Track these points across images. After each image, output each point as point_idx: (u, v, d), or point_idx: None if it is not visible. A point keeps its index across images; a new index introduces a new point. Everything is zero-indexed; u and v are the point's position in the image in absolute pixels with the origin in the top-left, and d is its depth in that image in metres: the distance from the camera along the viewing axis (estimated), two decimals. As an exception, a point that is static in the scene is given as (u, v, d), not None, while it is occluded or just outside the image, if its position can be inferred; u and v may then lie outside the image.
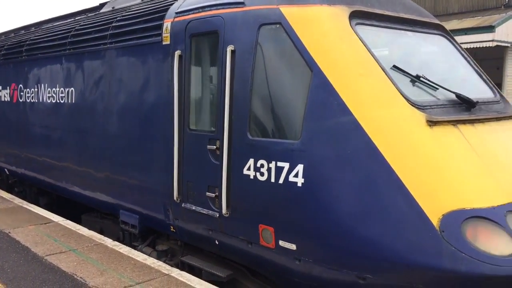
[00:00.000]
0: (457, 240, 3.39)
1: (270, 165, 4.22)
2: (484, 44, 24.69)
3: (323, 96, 3.97)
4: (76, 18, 7.90)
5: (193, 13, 5.06)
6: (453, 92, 4.36)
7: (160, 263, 5.25)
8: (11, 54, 9.21)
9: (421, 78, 4.33)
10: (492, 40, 24.33)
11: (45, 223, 6.90)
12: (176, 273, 4.90)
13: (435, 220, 3.46)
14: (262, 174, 4.29)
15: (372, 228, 3.64)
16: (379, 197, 3.66)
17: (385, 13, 4.65)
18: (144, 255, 5.50)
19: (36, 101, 8.29)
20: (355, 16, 4.35)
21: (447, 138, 3.84)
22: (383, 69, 4.06)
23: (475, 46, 25.52)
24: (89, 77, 6.80)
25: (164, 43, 5.38)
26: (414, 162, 3.67)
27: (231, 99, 4.55)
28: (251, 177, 4.38)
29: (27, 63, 8.62)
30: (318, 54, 4.07)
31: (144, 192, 5.87)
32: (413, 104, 3.94)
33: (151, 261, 5.29)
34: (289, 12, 4.28)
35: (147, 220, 5.96)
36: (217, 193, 4.74)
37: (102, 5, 7.64)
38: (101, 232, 7.13)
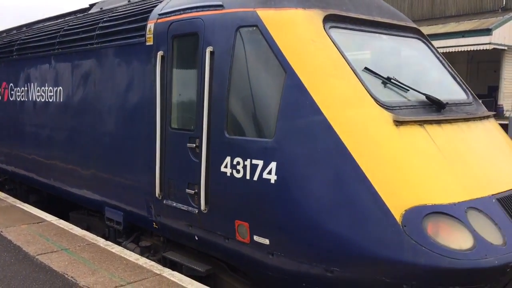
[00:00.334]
0: (418, 234, 3.55)
1: (246, 162, 4.37)
2: (481, 47, 24.89)
3: (296, 96, 4.13)
4: (66, 19, 8.04)
5: (175, 15, 5.21)
6: (423, 94, 4.52)
7: (152, 263, 5.25)
8: (2, 53, 9.34)
9: (392, 80, 4.49)
10: (489, 43, 24.52)
11: (38, 223, 6.88)
12: (167, 273, 4.91)
13: (398, 215, 3.62)
14: (238, 171, 4.44)
15: (338, 223, 3.80)
16: (346, 193, 3.81)
17: (360, 17, 4.81)
18: (136, 255, 5.51)
19: (26, 100, 8.42)
20: (329, 19, 4.51)
21: (413, 138, 4.00)
22: (354, 71, 4.22)
23: (472, 49, 25.72)
24: (76, 76, 6.94)
25: (147, 43, 5.53)
26: (380, 160, 3.83)
27: (210, 99, 4.70)
28: (228, 174, 4.53)
29: (17, 62, 8.75)
30: (291, 56, 4.22)
31: (128, 189, 6.01)
32: (382, 104, 4.10)
33: (143, 261, 5.29)
34: (265, 15, 4.44)
35: (131, 217, 6.10)
36: (196, 190, 4.89)
37: (91, 6, 7.79)
38: (88, 229, 7.25)
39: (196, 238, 5.07)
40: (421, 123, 4.14)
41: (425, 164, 3.90)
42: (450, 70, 5.46)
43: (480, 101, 5.30)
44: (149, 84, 5.50)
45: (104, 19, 6.52)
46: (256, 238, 4.33)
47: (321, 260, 3.93)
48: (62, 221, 6.99)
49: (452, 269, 3.48)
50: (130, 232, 6.37)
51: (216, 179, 4.65)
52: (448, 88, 5.25)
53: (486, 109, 5.25)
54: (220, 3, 4.76)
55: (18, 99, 8.70)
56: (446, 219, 3.63)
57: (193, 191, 4.93)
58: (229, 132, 4.56)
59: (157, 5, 5.66)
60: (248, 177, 4.34)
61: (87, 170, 6.77)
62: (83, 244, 5.89)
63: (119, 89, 6.06)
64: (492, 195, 3.97)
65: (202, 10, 4.91)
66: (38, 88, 7.98)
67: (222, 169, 4.58)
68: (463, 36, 25.30)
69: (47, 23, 8.67)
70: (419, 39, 5.52)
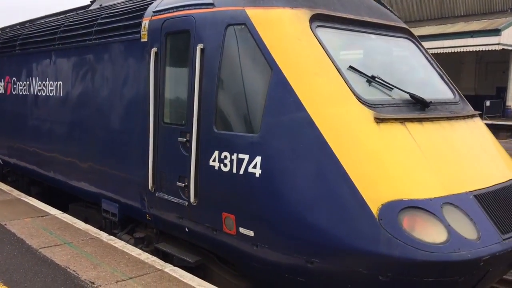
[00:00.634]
0: (393, 227, 3.68)
1: (233, 157, 4.51)
2: (490, 48, 24.80)
3: (281, 93, 4.26)
4: (67, 15, 8.22)
5: (168, 12, 5.36)
6: (407, 92, 4.64)
7: (154, 258, 5.26)
8: (6, 48, 9.54)
9: (376, 79, 4.61)
10: (498, 44, 24.42)
11: (42, 216, 6.88)
12: (169, 268, 4.93)
13: (374, 209, 3.74)
14: (225, 165, 4.58)
15: (318, 216, 3.93)
16: (326, 187, 3.95)
17: (348, 17, 4.93)
18: (139, 250, 5.54)
19: (28, 93, 8.61)
20: (316, 19, 4.63)
21: (393, 135, 4.12)
22: (338, 69, 4.34)
23: (481, 49, 25.62)
24: (75, 71, 7.11)
25: (142, 40, 5.68)
26: (359, 155, 3.96)
27: (200, 94, 4.85)
28: (216, 168, 4.67)
29: (20, 57, 8.95)
30: (277, 54, 4.36)
31: (123, 181, 6.18)
32: (364, 102, 4.22)
33: (145, 256, 5.30)
34: (254, 14, 4.57)
35: (125, 209, 6.27)
36: (186, 183, 5.04)
37: (92, 3, 7.96)
38: (86, 220, 7.43)
39: (187, 230, 5.22)
40: (402, 121, 4.26)
41: (404, 160, 4.02)
42: (438, 70, 5.57)
43: (466, 101, 5.41)
44: (144, 79, 5.66)
45: (103, 16, 6.68)
46: (241, 230, 4.48)
47: (302, 252, 4.07)
48: (66, 215, 7.03)
49: (425, 261, 3.60)
50: (125, 223, 6.53)
51: (205, 173, 4.80)
52: (434, 87, 5.35)
53: (472, 108, 5.36)
54: (211, 1, 4.90)
55: (20, 93, 8.90)
56: (421, 213, 3.75)
57: (183, 184, 5.08)
58: (217, 127, 4.70)
59: (152, 2, 5.81)
60: (234, 170, 4.49)
61: (84, 163, 6.95)
62: (86, 238, 5.91)
63: (115, 84, 6.23)
64: (470, 191, 4.09)
65: (194, 8, 5.05)
66: (39, 82, 8.17)
67: (211, 162, 4.73)
68: (471, 36, 25.24)
69: (49, 19, 8.86)
70: (408, 39, 5.63)
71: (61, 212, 7.15)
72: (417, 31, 22.41)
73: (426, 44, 20.61)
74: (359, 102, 4.19)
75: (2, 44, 9.77)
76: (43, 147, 8.13)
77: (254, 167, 4.31)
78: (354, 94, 4.24)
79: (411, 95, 4.62)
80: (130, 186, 6.03)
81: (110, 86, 6.36)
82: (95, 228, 6.39)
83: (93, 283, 4.51)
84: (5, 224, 6.41)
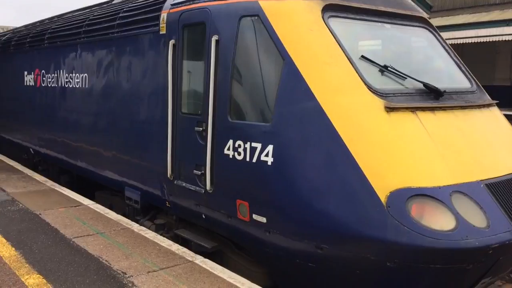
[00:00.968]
0: (401, 215, 3.73)
1: (246, 145, 4.63)
2: (527, 36, 23.90)
3: (292, 83, 4.34)
4: (92, 9, 8.48)
5: (185, 5, 5.50)
6: (421, 82, 4.64)
7: (185, 249, 5.28)
8: (36, 42, 9.91)
9: (389, 68, 4.62)
10: (536, 32, 23.53)
11: (75, 206, 6.99)
12: (199, 260, 4.95)
13: (383, 196, 3.80)
14: (239, 153, 4.71)
15: (328, 203, 4.02)
16: (336, 175, 4.02)
17: (362, 6, 4.94)
18: (169, 241, 5.56)
19: (56, 86, 8.95)
20: (329, 9, 4.67)
21: (403, 123, 4.15)
22: (349, 59, 4.38)
23: (518, 38, 24.73)
24: (99, 63, 7.36)
25: (161, 32, 5.85)
26: (369, 144, 4.01)
27: (215, 85, 4.98)
28: (230, 156, 4.81)
29: (48, 50, 9.29)
30: (289, 44, 4.43)
31: (144, 170, 6.40)
32: (375, 91, 4.26)
33: (176, 247, 5.32)
34: (267, 5, 4.65)
35: (147, 196, 6.49)
36: (202, 171, 5.20)
37: (116, -4, 8.18)
38: (110, 207, 7.71)
39: (203, 217, 5.39)
40: (413, 109, 4.28)
41: (413, 149, 4.05)
42: (455, 59, 5.52)
43: (484, 90, 5.35)
44: (162, 71, 5.83)
45: (124, 9, 6.88)
46: (255, 216, 4.60)
47: (312, 238, 4.16)
48: (98, 205, 7.13)
49: (432, 248, 3.65)
50: (147, 210, 6.77)
51: (220, 161, 4.94)
52: (451, 76, 5.32)
53: (489, 98, 5.30)
54: (225, -7, 5.00)
55: (49, 85, 9.25)
56: (430, 201, 3.79)
57: (200, 172, 5.24)
58: (231, 116, 4.83)
59: (171, -5, 5.96)
60: (248, 159, 4.61)
61: (109, 152, 7.21)
62: (118, 228, 5.96)
63: (136, 76, 6.43)
64: (481, 180, 4.09)
65: (209, 1, 5.17)
66: (66, 74, 8.48)
67: (225, 151, 4.86)
68: (507, 25, 24.38)
69: (76, 13, 9.15)
70: (425, 28, 5.59)
71: (93, 202, 7.27)
72: (450, 20, 21.83)
73: (460, 33, 19.96)
74: (369, 91, 4.23)
75: (32, 38, 10.15)
76: (70, 137, 8.45)
77: (267, 155, 4.42)
78: (365, 84, 4.27)
79: (425, 84, 4.62)
80: (151, 174, 6.24)
81: (130, 78, 6.57)
82: (126, 219, 6.46)
83: (125, 273, 4.57)
84: (40, 214, 6.52)
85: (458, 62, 5.50)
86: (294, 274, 4.60)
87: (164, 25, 5.78)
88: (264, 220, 4.52)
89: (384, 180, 3.87)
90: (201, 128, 5.21)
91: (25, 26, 12.16)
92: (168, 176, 5.77)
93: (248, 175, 4.62)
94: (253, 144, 4.55)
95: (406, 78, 4.66)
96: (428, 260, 3.75)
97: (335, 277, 4.29)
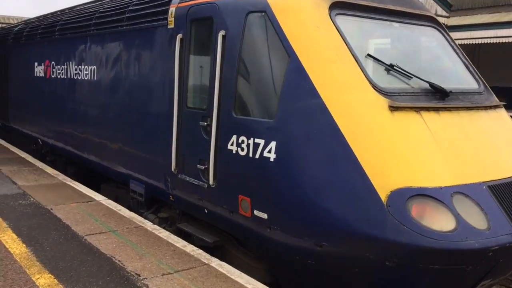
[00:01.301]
0: (401, 214, 3.72)
1: (249, 141, 4.65)
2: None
3: (297, 80, 4.35)
4: (103, 2, 8.53)
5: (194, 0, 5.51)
6: (426, 81, 4.62)
7: (200, 251, 5.11)
8: (47, 33, 10.00)
9: (395, 67, 4.61)
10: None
11: (87, 202, 6.83)
12: (215, 263, 4.79)
13: (383, 195, 3.80)
14: (242, 149, 4.73)
15: (328, 200, 4.02)
16: (337, 173, 4.03)
17: (370, 5, 4.93)
18: (184, 242, 5.37)
19: (65, 77, 9.03)
20: (336, 6, 4.66)
21: (406, 123, 4.14)
22: (355, 57, 4.37)
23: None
24: (108, 56, 7.41)
25: (169, 26, 5.87)
26: (371, 142, 4.01)
27: (221, 80, 4.99)
28: (234, 151, 4.82)
29: (59, 42, 9.37)
30: (295, 41, 4.43)
31: (149, 163, 6.44)
32: (379, 90, 4.25)
33: (191, 249, 5.14)
34: (274, 2, 4.65)
35: (151, 189, 6.54)
36: (206, 166, 5.22)
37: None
38: (116, 200, 7.78)
39: (206, 211, 5.42)
40: (418, 109, 4.26)
41: (415, 149, 4.03)
42: (464, 60, 5.48)
43: (491, 91, 5.31)
44: (170, 65, 5.85)
45: (134, 2, 6.91)
46: (256, 212, 4.62)
47: (312, 235, 4.17)
48: (110, 201, 6.99)
49: (431, 248, 3.64)
50: (151, 204, 6.81)
51: (223, 156, 4.96)
52: (458, 77, 5.28)
53: (497, 99, 5.26)
54: (233, -11, 5.00)
55: (59, 77, 9.33)
56: (430, 201, 3.78)
57: (203, 167, 5.27)
58: (236, 112, 4.84)
59: (179, -10, 5.97)
60: (251, 155, 4.62)
61: (115, 145, 7.27)
62: (131, 226, 5.79)
63: (143, 70, 6.47)
64: (483, 182, 4.06)
65: (217, -4, 5.18)
66: (76, 66, 8.55)
67: (229, 146, 4.88)
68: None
69: (87, 6, 9.21)
70: (434, 27, 5.55)
71: (105, 198, 7.14)
72: (469, 20, 21.54)
73: (479, 34, 19.66)
74: (374, 90, 4.22)
75: (43, 29, 10.24)
76: (78, 129, 8.53)
77: (269, 151, 4.43)
78: (370, 82, 4.26)
79: (431, 84, 4.60)
80: (155, 168, 6.28)
81: (138, 71, 6.61)
82: (139, 216, 6.33)
83: (139, 275, 4.40)
84: (51, 209, 6.38)
85: (466, 63, 5.46)
86: (294, 271, 4.61)
87: (172, 19, 5.81)
88: (265, 216, 4.53)
89: (385, 179, 3.86)
90: (205, 123, 5.23)
91: (37, 17, 12.27)
92: (172, 170, 5.80)
93: (251, 171, 4.64)
94: (256, 140, 4.57)
95: (412, 77, 4.64)
96: (427, 260, 3.74)
97: (334, 274, 4.30)
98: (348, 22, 4.68)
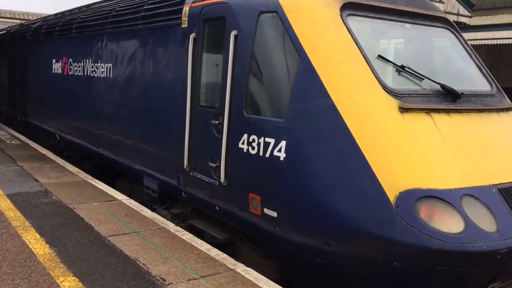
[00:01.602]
0: (409, 215, 3.74)
1: (260, 140, 4.70)
2: None
3: (307, 80, 4.38)
4: (119, 0, 8.65)
5: None
6: (438, 83, 4.61)
7: (225, 255, 4.98)
8: (64, 30, 10.17)
9: (406, 68, 4.61)
10: None
11: (109, 201, 6.77)
12: (241, 269, 4.64)
13: (392, 196, 3.82)
14: (253, 148, 4.79)
15: (337, 200, 4.06)
16: (346, 173, 4.06)
17: (381, 5, 4.93)
18: (208, 245, 5.25)
19: (82, 74, 9.19)
20: (348, 7, 4.68)
21: (416, 124, 4.14)
22: (366, 58, 4.39)
23: None
24: (123, 54, 7.53)
25: (183, 26, 5.95)
26: (380, 143, 4.03)
27: (232, 79, 5.05)
28: (245, 150, 4.89)
29: (76, 40, 9.53)
30: (306, 42, 4.47)
31: (162, 160, 6.54)
32: (389, 91, 4.26)
33: (215, 253, 5.02)
34: (285, 2, 4.69)
35: (164, 186, 6.64)
36: (217, 164, 5.29)
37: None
38: (130, 196, 7.91)
39: (217, 208, 5.50)
40: (428, 111, 4.27)
41: (425, 151, 4.04)
42: (477, 62, 5.45)
43: (504, 94, 5.27)
44: (183, 64, 5.93)
45: (149, 2, 7.01)
46: (266, 210, 4.68)
47: (320, 234, 4.22)
48: (132, 200, 6.92)
49: (439, 250, 3.65)
50: (164, 200, 6.92)
51: (234, 154, 5.03)
52: (471, 79, 5.26)
53: (510, 102, 5.22)
54: (246, -11, 5.05)
55: (76, 74, 9.50)
56: (439, 203, 3.79)
57: (215, 165, 5.34)
58: (247, 111, 4.90)
59: (193, -11, 6.04)
60: (261, 153, 4.68)
61: (129, 141, 7.39)
62: (154, 228, 5.72)
63: (157, 68, 6.57)
64: (493, 184, 4.05)
65: (230, -4, 5.23)
66: (92, 64, 8.70)
67: (240, 145, 4.94)
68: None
69: (103, 4, 9.34)
70: (447, 29, 5.53)
71: (127, 197, 7.09)
72: (490, 20, 21.23)
73: (500, 34, 19.30)
74: (384, 91, 4.23)
75: (61, 27, 10.42)
76: (94, 125, 8.69)
77: (279, 150, 4.48)
78: (380, 83, 4.28)
79: (442, 86, 4.59)
80: (168, 165, 6.37)
81: (151, 70, 6.71)
82: (161, 217, 6.25)
83: (164, 280, 4.30)
84: (74, 208, 6.35)
85: (479, 64, 5.43)
86: (303, 269, 4.66)
87: (186, 18, 5.88)
88: (275, 214, 4.59)
89: (394, 180, 3.88)
90: (217, 121, 5.30)
91: (55, 14, 12.48)
92: (185, 167, 5.89)
93: (261, 170, 4.69)
94: (267, 139, 4.62)
95: (423, 79, 4.63)
96: (435, 262, 3.75)
97: (342, 274, 4.33)
98: (359, 23, 4.69)
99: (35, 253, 4.78)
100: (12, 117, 15.01)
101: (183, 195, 6.19)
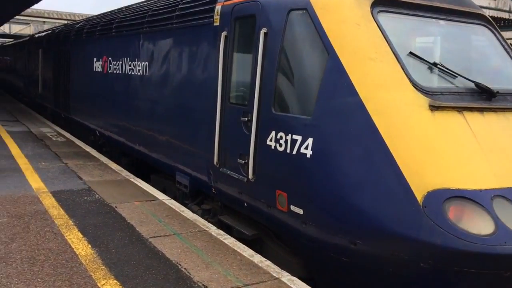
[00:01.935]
0: (437, 215, 3.66)
1: (287, 137, 4.72)
2: None
3: (335, 77, 4.36)
4: (156, 0, 8.86)
5: (239, -2, 5.64)
6: (472, 81, 4.49)
7: (268, 262, 4.79)
8: (104, 30, 10.52)
9: (438, 66, 4.50)
10: None
11: (150, 200, 6.77)
12: (286, 278, 4.46)
13: (419, 196, 3.75)
14: (280, 145, 4.80)
15: (363, 199, 4.02)
16: (373, 171, 4.01)
17: (415, 2, 4.84)
18: (251, 251, 5.08)
19: (120, 72, 9.47)
20: (379, 4, 4.62)
21: (447, 123, 4.05)
22: (396, 55, 4.32)
23: None
24: (158, 53, 7.72)
25: (215, 24, 6.04)
26: (408, 142, 3.96)
27: (261, 77, 5.09)
28: (272, 147, 4.91)
29: (115, 39, 9.83)
30: (335, 39, 4.44)
31: (194, 156, 6.66)
32: (420, 89, 4.18)
33: (258, 259, 4.83)
34: (315, 0, 4.68)
35: (195, 181, 6.76)
36: (246, 160, 5.34)
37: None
38: (163, 191, 8.10)
39: (245, 205, 5.55)
40: (460, 109, 4.16)
41: (455, 150, 3.94)
42: (516, 59, 5.26)
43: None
44: (214, 61, 6.02)
45: (183, 1, 7.15)
46: (292, 207, 4.69)
47: (346, 232, 4.18)
48: (173, 201, 6.88)
49: (467, 251, 3.56)
50: (196, 195, 7.05)
51: (262, 151, 5.06)
52: (509, 77, 5.08)
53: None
54: (276, -13, 5.07)
55: (115, 72, 9.80)
56: (468, 203, 3.69)
57: (243, 161, 5.39)
58: (275, 108, 4.92)
59: (226, -12, 6.12)
60: (288, 150, 4.69)
61: (163, 137, 7.57)
62: (195, 230, 5.61)
63: (190, 66, 6.69)
64: None
65: (261, -7, 5.27)
66: (130, 62, 8.95)
67: (268, 142, 4.97)
68: None
69: (141, 4, 9.60)
70: (484, 25, 5.36)
71: (168, 197, 7.07)
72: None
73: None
74: (414, 89, 4.16)
75: (101, 27, 10.78)
76: (130, 122, 8.94)
77: (306, 148, 4.48)
78: (410, 81, 4.21)
79: (476, 84, 4.46)
80: (199, 161, 6.49)
81: (184, 68, 6.84)
82: (201, 219, 6.17)
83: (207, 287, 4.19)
84: (116, 207, 6.35)
85: (519, 63, 5.23)
86: (328, 268, 4.64)
87: (218, 17, 5.97)
88: (301, 211, 4.59)
89: (422, 179, 3.81)
90: (246, 118, 5.35)
91: (97, 15, 12.91)
92: (215, 163, 5.97)
93: (288, 167, 4.70)
94: (294, 136, 4.63)
95: (456, 76, 4.52)
96: (463, 264, 3.66)
97: (368, 273, 4.29)
98: (391, 20, 4.63)
99: (77, 253, 4.76)
100: (56, 114, 15.64)
101: (213, 191, 6.28)
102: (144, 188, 7.53)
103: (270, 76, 4.97)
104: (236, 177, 5.55)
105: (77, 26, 13.27)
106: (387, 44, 4.36)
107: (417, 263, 3.83)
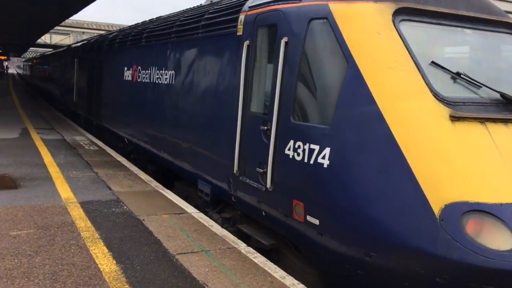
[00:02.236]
0: (454, 229, 3.54)
1: (305, 146, 4.68)
2: None
3: (354, 87, 4.31)
4: (184, 11, 9.04)
5: (261, 7, 5.68)
6: (497, 91, 4.35)
7: (302, 286, 4.53)
8: (135, 40, 10.79)
9: (462, 76, 4.39)
10: None
11: (178, 214, 6.64)
12: None
13: (436, 209, 3.64)
14: (298, 154, 4.77)
15: (379, 210, 3.93)
16: (390, 183, 3.92)
17: (439, 10, 4.74)
18: (282, 272, 4.82)
19: (149, 81, 9.67)
20: (402, 12, 4.55)
21: (468, 134, 3.92)
22: (417, 64, 4.24)
23: None
24: (184, 62, 7.85)
25: (238, 34, 6.10)
26: (427, 153, 3.85)
27: (281, 86, 5.08)
28: (290, 156, 4.88)
29: (144, 49, 10.06)
30: (355, 48, 4.40)
31: (215, 164, 6.70)
32: (441, 99, 4.08)
33: (290, 282, 4.55)
34: (336, 8, 4.66)
35: (216, 190, 6.78)
36: (264, 169, 5.33)
37: (206, -1, 8.67)
38: (186, 198, 8.16)
39: (263, 214, 5.52)
40: (483, 120, 4.03)
41: (476, 162, 3.81)
42: (547, 69, 5.06)
43: None
44: (237, 70, 6.07)
45: (209, 11, 7.26)
46: (309, 218, 4.63)
47: (361, 244, 4.10)
48: (201, 214, 6.75)
49: (485, 268, 3.42)
50: (217, 203, 7.07)
51: (281, 160, 5.04)
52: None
53: None
54: (298, -4, 5.09)
55: (143, 80, 10.02)
56: (487, 217, 3.55)
57: (262, 170, 5.38)
58: (294, 117, 4.90)
59: (250, -2, 6.19)
60: (306, 160, 4.65)
61: (186, 145, 7.65)
62: (224, 247, 5.40)
63: (213, 75, 6.77)
64: None
65: (282, 3, 5.29)
66: (158, 71, 9.13)
67: (286, 151, 4.95)
68: None
69: (171, 14, 9.82)
70: (513, 34, 5.20)
71: (197, 211, 6.93)
72: None
73: None
74: (434, 99, 4.06)
75: (132, 37, 11.06)
76: (156, 130, 9.09)
77: (323, 157, 4.43)
78: (431, 90, 4.11)
79: (502, 94, 4.32)
80: (220, 169, 6.51)
81: (208, 76, 6.92)
82: (231, 235, 5.95)
83: None
84: (143, 220, 6.23)
85: (550, 74, 5.03)
86: (344, 280, 4.55)
87: (241, 26, 6.02)
88: (317, 222, 4.53)
89: (439, 191, 3.70)
90: (266, 127, 5.35)
91: (130, 26, 13.26)
92: (235, 171, 5.99)
93: (305, 176, 4.66)
94: (312, 146, 4.59)
95: (481, 86, 4.39)
96: (481, 280, 3.52)
97: (383, 287, 4.18)
98: (413, 29, 4.55)
99: (101, 270, 4.59)
100: (89, 121, 16.08)
101: (233, 200, 6.29)
102: (173, 200, 7.47)
103: (290, 85, 4.97)
104: (255, 186, 5.54)
105: (110, 36, 13.66)
106: (408, 53, 4.29)
107: (433, 278, 3.71)
